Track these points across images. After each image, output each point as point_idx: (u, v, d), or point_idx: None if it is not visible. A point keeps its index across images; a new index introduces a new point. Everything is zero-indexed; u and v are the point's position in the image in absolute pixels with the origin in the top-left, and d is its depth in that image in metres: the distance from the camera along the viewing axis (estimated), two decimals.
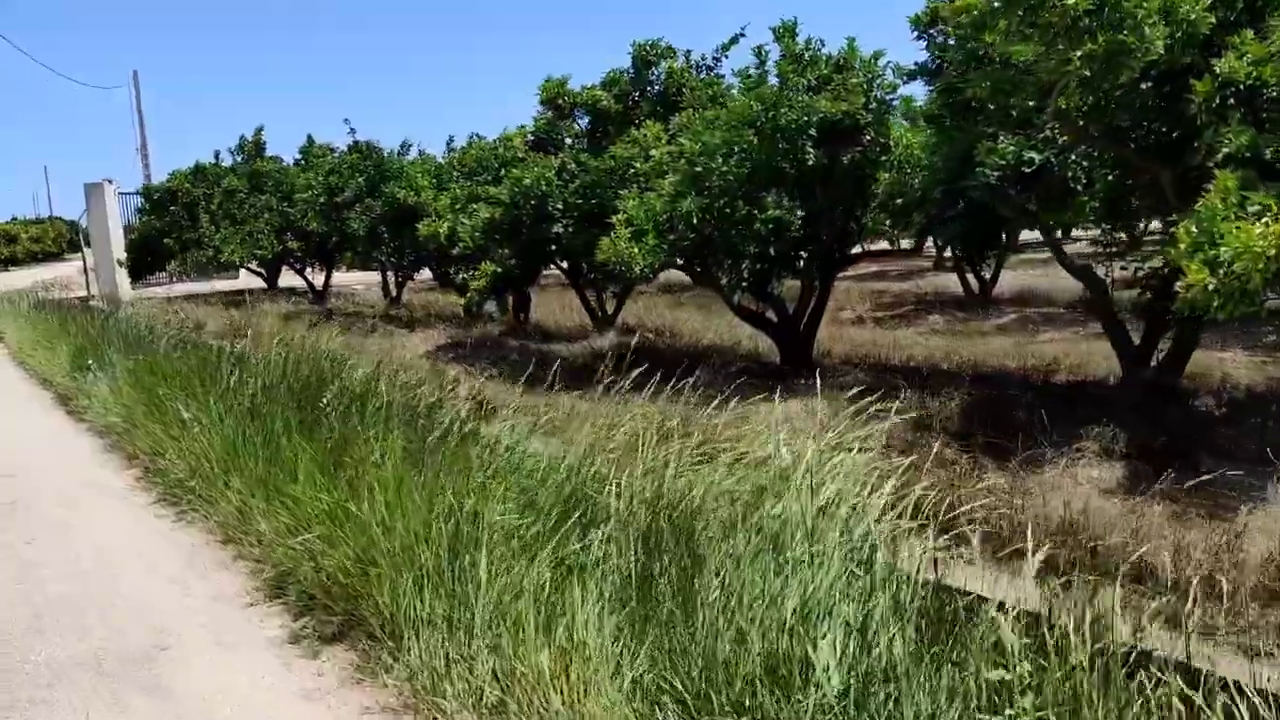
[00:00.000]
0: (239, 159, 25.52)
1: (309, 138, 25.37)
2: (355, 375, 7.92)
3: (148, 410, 8.19)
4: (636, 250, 9.62)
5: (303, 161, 25.32)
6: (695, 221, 9.76)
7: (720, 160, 9.71)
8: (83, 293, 30.32)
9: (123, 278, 26.33)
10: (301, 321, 18.68)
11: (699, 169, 9.85)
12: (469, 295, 12.07)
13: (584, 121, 12.47)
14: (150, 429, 7.85)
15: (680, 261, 10.04)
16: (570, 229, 11.38)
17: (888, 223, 11.45)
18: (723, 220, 9.90)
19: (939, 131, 8.96)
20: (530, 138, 13.72)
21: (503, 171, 13.91)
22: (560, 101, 12.15)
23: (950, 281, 20.21)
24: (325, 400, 6.62)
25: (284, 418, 6.51)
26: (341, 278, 28.35)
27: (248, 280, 30.90)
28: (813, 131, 9.64)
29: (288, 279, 27.10)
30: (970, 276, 17.75)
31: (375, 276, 28.95)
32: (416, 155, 18.70)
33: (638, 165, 11.03)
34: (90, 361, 10.61)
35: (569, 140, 13.61)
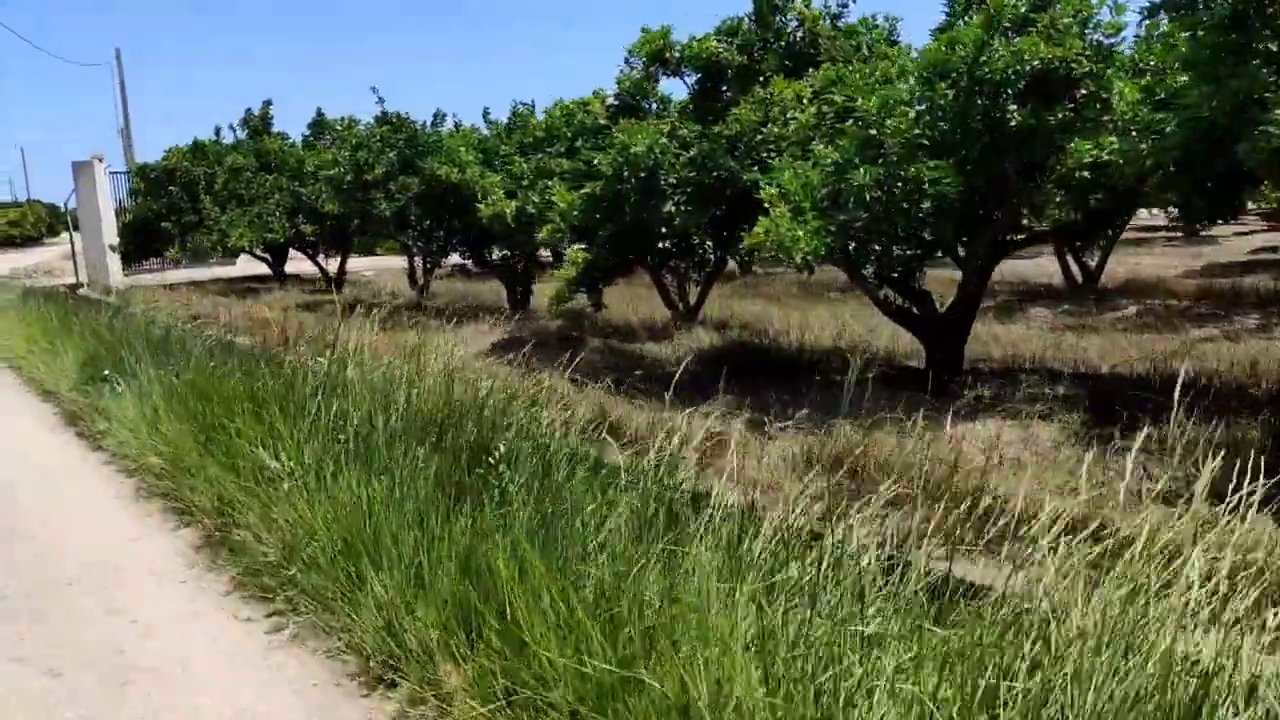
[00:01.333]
0: (244, 135, 23.15)
1: (319, 111, 23.04)
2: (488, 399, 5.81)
3: (202, 447, 6.03)
4: (801, 233, 7.53)
5: (311, 138, 23.02)
6: (867, 198, 7.68)
7: (900, 121, 7.63)
8: (69, 279, 27.90)
9: (114, 263, 23.97)
10: (324, 313, 16.48)
11: (872, 131, 7.76)
12: (558, 289, 9.90)
13: (689, 80, 10.31)
14: (210, 475, 5.68)
15: (852, 246, 7.94)
16: (684, 207, 9.26)
17: (1058, 199, 9.38)
18: (894, 195, 7.83)
19: (1204, 80, 6.89)
20: (614, 101, 11.58)
21: (578, 142, 11.77)
22: (667, 55, 9.98)
23: (1028, 268, 18.25)
24: (494, 453, 4.48)
25: (438, 477, 4.40)
26: (351, 264, 26.01)
27: (247, 266, 28.51)
28: (1021, 84, 7.58)
29: (293, 264, 24.78)
30: (1071, 261, 15.75)
31: (387, 262, 26.63)
32: (452, 128, 16.46)
33: (768, 130, 8.94)
34: (107, 371, 8.43)
35: (659, 104, 11.48)
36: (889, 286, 9.54)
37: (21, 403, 9.75)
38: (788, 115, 8.73)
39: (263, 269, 25.29)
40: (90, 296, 20.96)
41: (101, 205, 23.64)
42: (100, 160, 24.09)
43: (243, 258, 30.68)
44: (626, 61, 11.62)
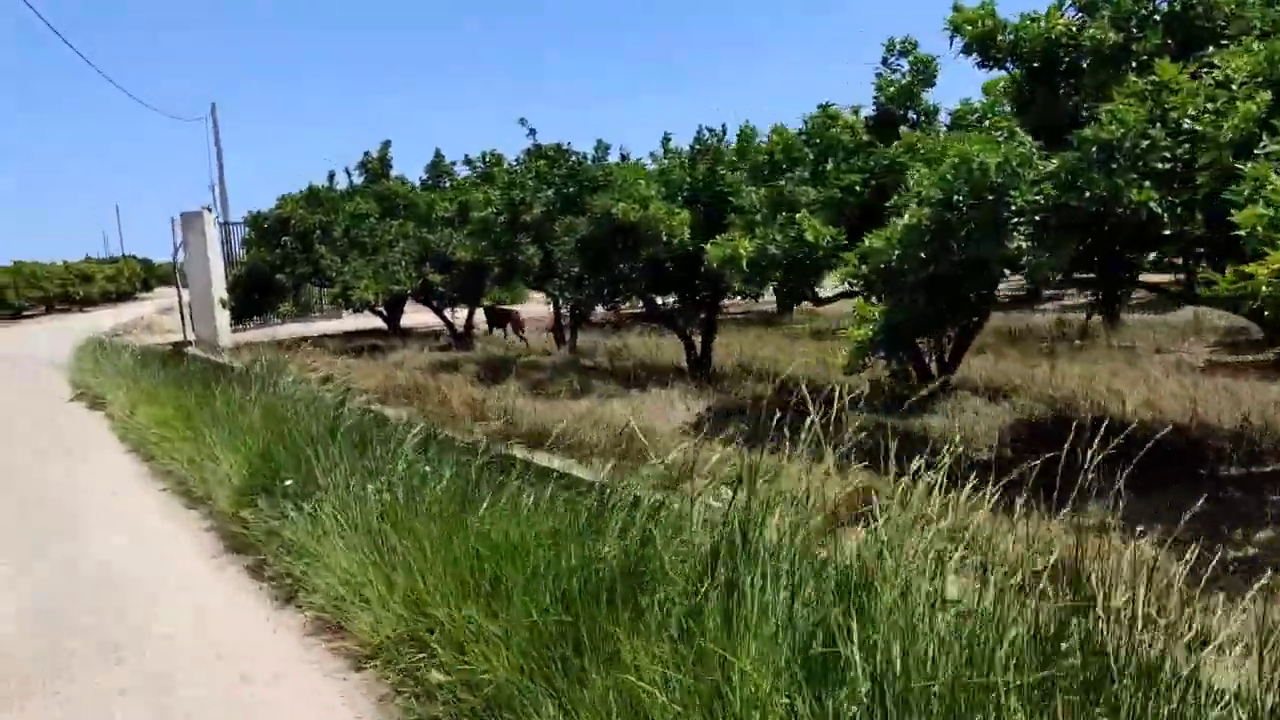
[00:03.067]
0: (361, 179, 21.05)
1: (437, 153, 21.06)
2: None
3: (533, 657, 3.47)
4: None
5: (429, 181, 20.87)
6: None
7: None
8: (171, 335, 25.97)
9: (223, 319, 21.86)
10: (467, 374, 14.07)
11: None
12: (850, 351, 7.25)
13: (1010, 71, 7.66)
14: None
15: None
16: (1034, 240, 6.61)
17: None
18: None
19: None
20: (871, 112, 9.06)
21: (827, 165, 9.19)
22: (999, 39, 7.35)
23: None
24: None
25: None
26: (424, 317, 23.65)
27: (356, 319, 26.41)
28: None
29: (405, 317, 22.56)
30: None
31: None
32: (618, 160, 14.06)
33: (1156, 132, 6.29)
34: (289, 480, 5.98)
35: (923, 115, 8.89)
36: None
37: (164, 514, 7.34)
38: (1215, 106, 6.07)
39: (372, 322, 23.11)
40: (201, 355, 18.82)
41: (211, 257, 21.60)
42: (209, 210, 22.11)
43: (345, 312, 28.74)
44: (884, 62, 9.08)
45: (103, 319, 35.39)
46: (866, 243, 6.86)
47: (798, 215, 8.79)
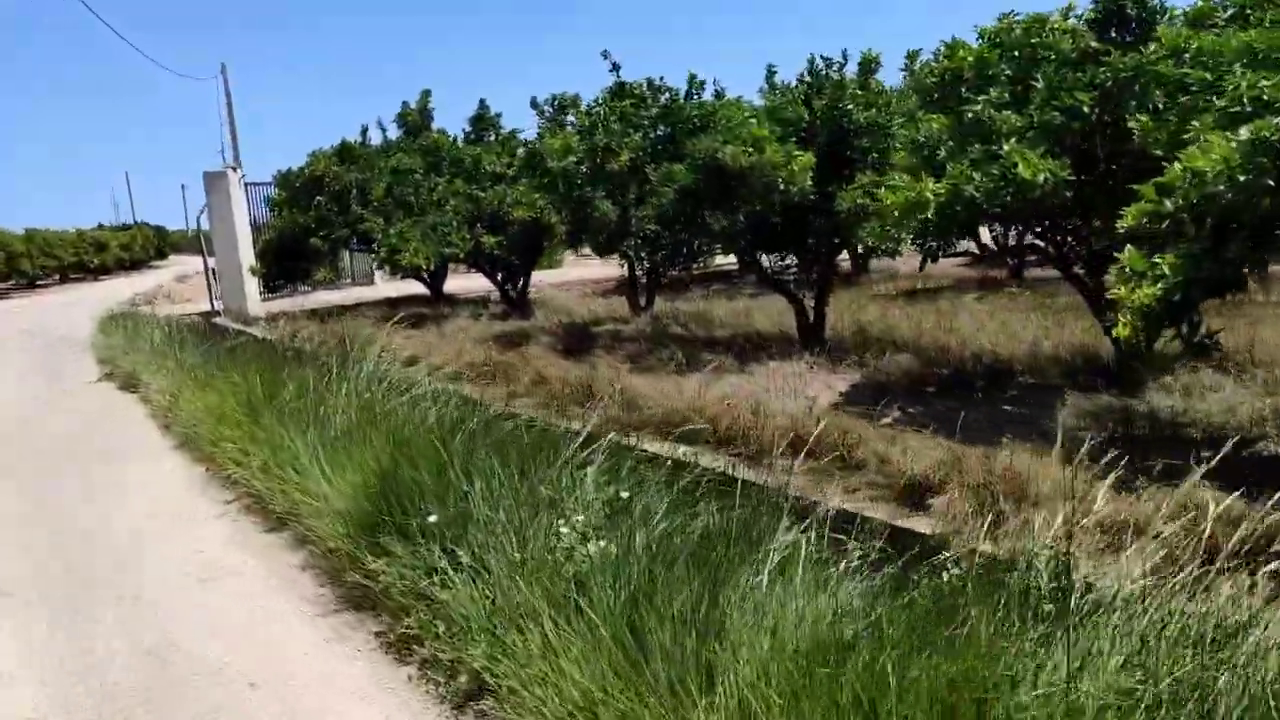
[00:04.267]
0: (399, 133, 19.09)
1: (481, 104, 19.02)
2: None
3: None
4: None
5: (472, 135, 18.92)
6: None
7: None
8: (192, 305, 24.18)
9: (252, 287, 20.09)
10: (542, 346, 12.27)
11: None
12: (1125, 318, 5.41)
13: None
14: None
15: None
16: None
17: None
18: None
19: None
20: (1093, 9, 7.18)
21: (1034, 81, 7.30)
22: None
23: None
24: None
25: None
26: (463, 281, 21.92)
27: (391, 286, 24.57)
28: None
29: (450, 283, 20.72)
30: None
31: (539, 276, 22.24)
32: (712, 97, 12.08)
33: None
34: (433, 515, 4.19)
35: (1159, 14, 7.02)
36: None
37: (241, 544, 5.57)
38: None
39: (411, 288, 21.28)
40: (238, 328, 17.04)
41: (237, 221, 19.80)
42: (234, 169, 20.27)
43: (378, 277, 26.86)
44: None
45: (120, 288, 33.59)
46: (1176, 168, 5.02)
47: (1005, 147, 6.92)
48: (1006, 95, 7.41)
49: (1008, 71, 7.53)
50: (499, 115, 19.04)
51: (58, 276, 41.45)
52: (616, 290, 20.88)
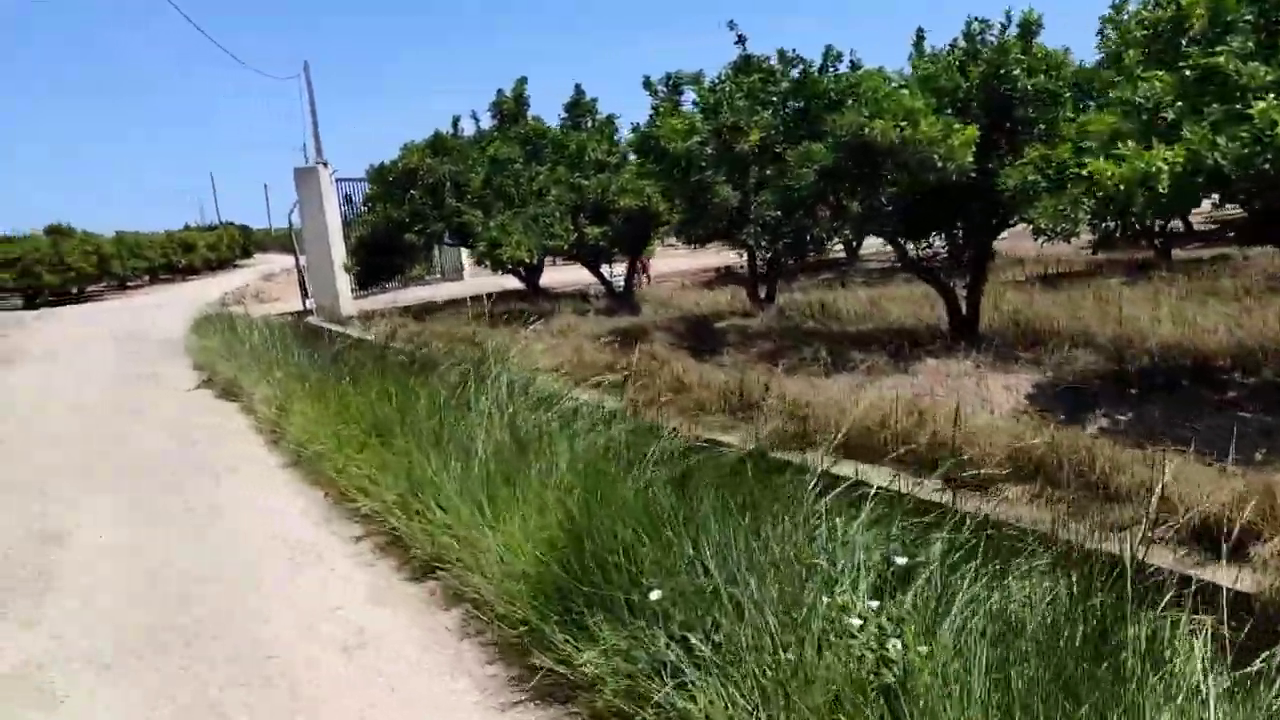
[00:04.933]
0: (493, 123, 18.22)
1: (577, 90, 18.04)
2: None
3: None
4: None
5: (569, 122, 17.96)
6: None
7: None
8: (281, 305, 23.72)
9: (344, 284, 19.43)
10: (658, 342, 11.25)
11: None
12: None
13: None
14: None
15: None
16: None
17: None
18: None
19: None
20: None
21: None
22: None
23: None
24: None
25: None
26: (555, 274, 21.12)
27: (479, 280, 23.80)
28: None
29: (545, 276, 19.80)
30: None
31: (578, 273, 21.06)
32: (847, 69, 10.94)
33: None
34: (656, 591, 3.18)
35: None
36: None
37: (391, 601, 4.61)
38: None
39: (502, 283, 20.42)
40: (327, 327, 16.35)
41: (329, 218, 19.15)
42: (325, 165, 19.62)
43: (468, 269, 26.12)
44: None
45: (208, 288, 33.48)
46: None
47: (1259, 105, 5.70)
48: (1251, 45, 6.17)
49: (1248, 16, 6.28)
50: (595, 100, 18.06)
51: (147, 277, 41.66)
52: (718, 282, 19.80)
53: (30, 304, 32.41)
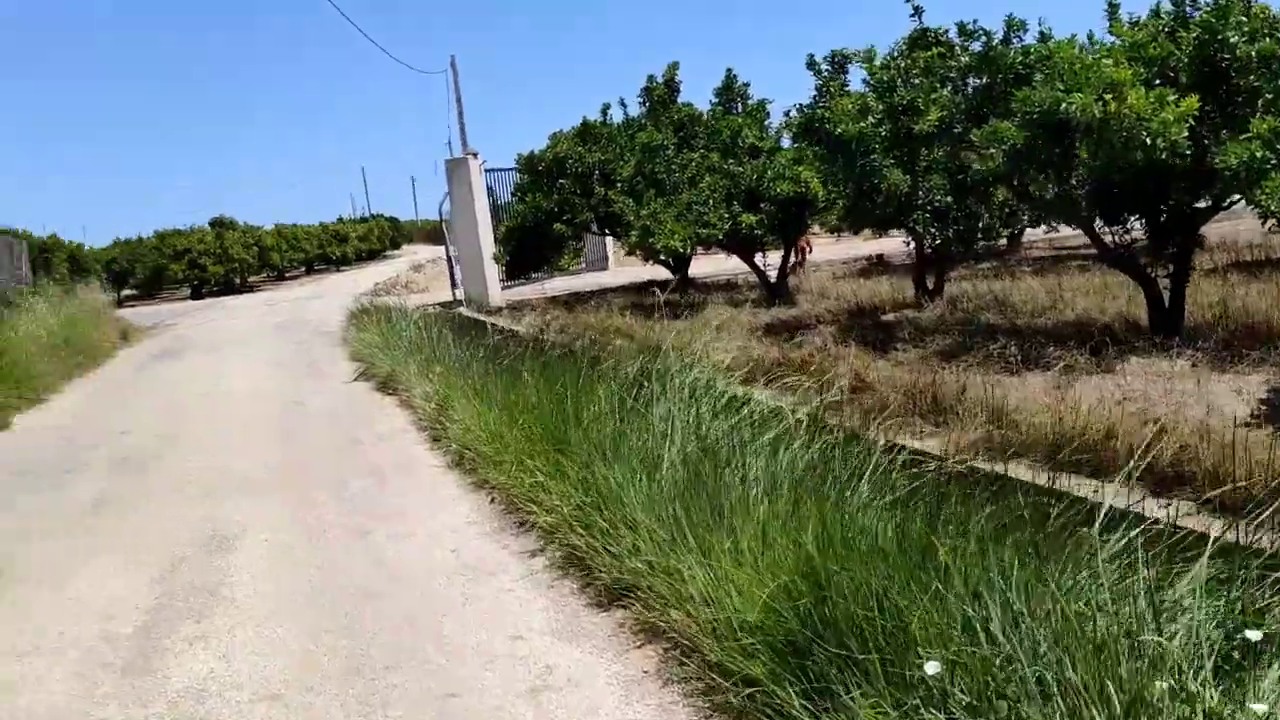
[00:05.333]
0: (643, 109, 17.76)
1: (728, 74, 17.34)
2: None
3: None
4: None
5: (720, 106, 17.30)
6: None
7: None
8: (429, 295, 23.86)
9: (493, 275, 19.32)
10: (821, 334, 10.55)
11: None
12: None
13: None
14: None
15: None
16: None
17: None
18: None
19: None
20: None
21: None
22: None
23: None
24: None
25: None
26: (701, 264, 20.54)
27: (625, 272, 23.47)
28: None
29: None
30: None
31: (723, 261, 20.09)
32: (1034, 40, 9.99)
33: None
34: (930, 665, 2.58)
35: None
36: None
37: (589, 649, 4.06)
38: None
39: (647, 273, 19.99)
40: (477, 318, 16.20)
41: (478, 208, 19.04)
42: (475, 156, 19.53)
43: (612, 259, 25.86)
44: None
45: (360, 278, 34.23)
46: None
47: None
48: None
49: None
50: (747, 85, 17.35)
51: (303, 269, 43.05)
52: (871, 270, 18.89)
53: (196, 294, 33.74)
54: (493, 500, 5.95)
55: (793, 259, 16.70)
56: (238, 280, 35.68)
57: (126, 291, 33.57)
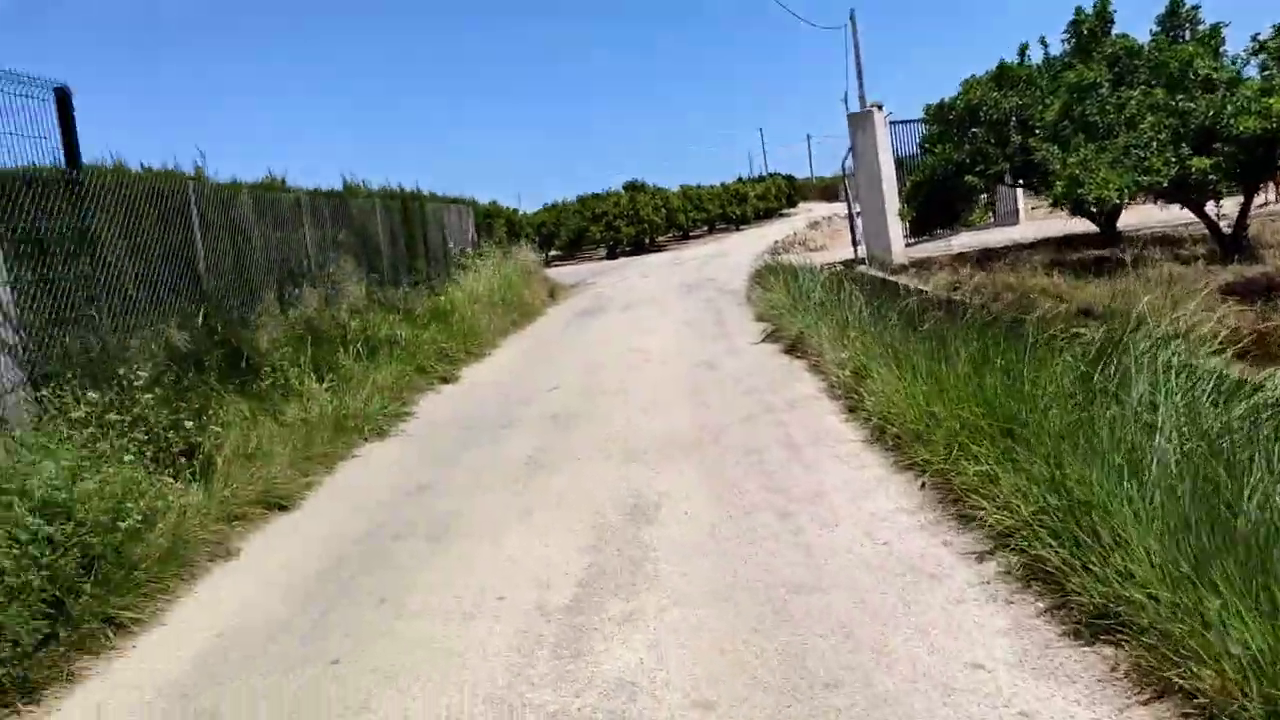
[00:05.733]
0: (1068, 46, 16.01)
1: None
2: None
3: None
4: None
5: (1162, 35, 15.09)
6: None
7: None
8: (826, 254, 23.36)
9: (896, 232, 18.47)
10: None
11: None
12: None
13: None
14: None
15: None
16: None
17: None
18: None
19: None
20: None
21: None
22: None
23: None
24: None
25: None
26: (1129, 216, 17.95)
27: (1032, 225, 21.53)
28: None
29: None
30: None
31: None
32: None
33: None
34: None
35: None
36: None
37: (1071, 697, 3.43)
38: None
39: (1062, 227, 18.05)
40: (883, 277, 15.53)
41: (882, 163, 18.25)
42: (879, 108, 18.74)
43: (1023, 214, 23.88)
44: None
45: (759, 237, 34.58)
46: None
47: None
48: None
49: None
50: (1197, 8, 15.00)
51: (706, 228, 44.36)
52: None
53: (611, 254, 35.92)
54: (923, 486, 5.46)
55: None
56: (647, 240, 37.48)
57: (553, 252, 36.43)
